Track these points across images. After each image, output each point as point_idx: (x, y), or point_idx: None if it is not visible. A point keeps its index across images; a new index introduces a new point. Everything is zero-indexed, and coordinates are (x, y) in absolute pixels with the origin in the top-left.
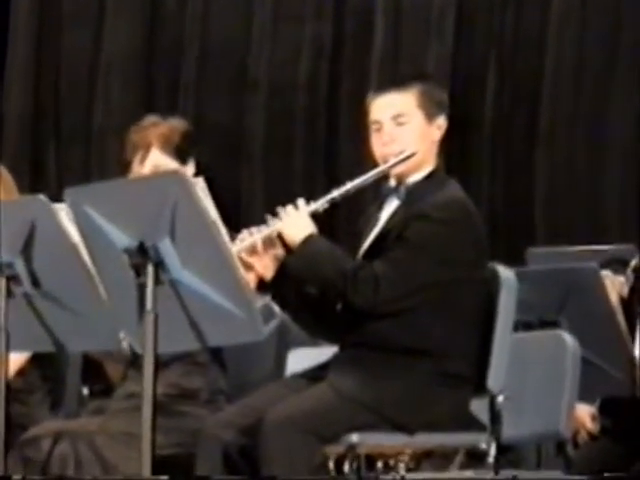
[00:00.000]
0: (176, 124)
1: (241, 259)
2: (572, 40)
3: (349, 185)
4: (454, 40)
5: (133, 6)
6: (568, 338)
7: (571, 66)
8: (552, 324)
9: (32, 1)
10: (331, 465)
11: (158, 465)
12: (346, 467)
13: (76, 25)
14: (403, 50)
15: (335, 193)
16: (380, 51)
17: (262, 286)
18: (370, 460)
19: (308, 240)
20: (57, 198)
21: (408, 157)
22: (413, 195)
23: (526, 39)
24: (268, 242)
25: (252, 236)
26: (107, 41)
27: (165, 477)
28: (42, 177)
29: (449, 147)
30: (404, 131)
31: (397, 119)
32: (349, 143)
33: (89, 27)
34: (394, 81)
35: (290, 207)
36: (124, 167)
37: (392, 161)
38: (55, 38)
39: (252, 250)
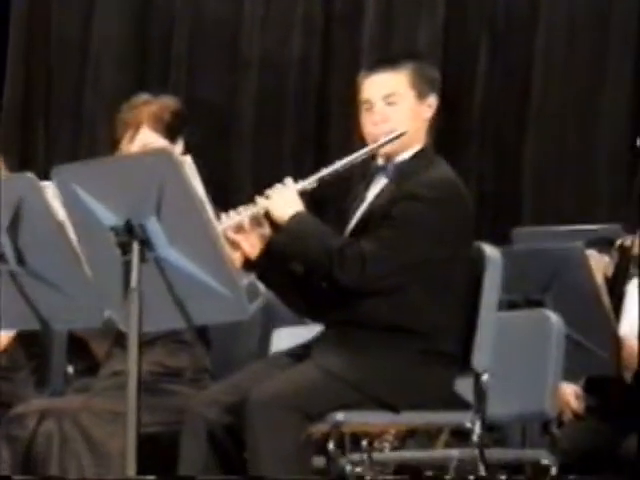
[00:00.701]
0: (167, 102)
1: (227, 237)
2: (563, 21)
3: (338, 164)
4: (445, 20)
5: None
6: (553, 317)
7: (562, 48)
8: (537, 303)
9: None
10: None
11: (143, 443)
12: (331, 445)
13: (67, 6)
14: (394, 30)
15: (324, 172)
16: (371, 31)
17: (248, 264)
18: (355, 438)
19: (295, 217)
20: (46, 178)
21: (398, 136)
22: (401, 173)
23: (518, 20)
24: (255, 221)
25: (239, 215)
26: (98, 21)
27: (152, 477)
28: (31, 158)
29: (439, 126)
30: (395, 111)
31: (388, 99)
32: (339, 124)
33: (80, 8)
34: (386, 59)
35: (278, 185)
36: (113, 145)
37: (382, 140)
38: (46, 19)
39: (239, 228)
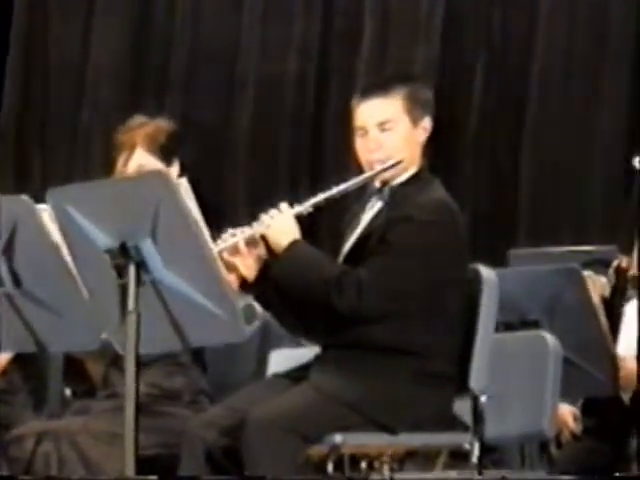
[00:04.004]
0: (162, 124)
1: (223, 259)
2: (560, 40)
3: (334, 190)
4: (442, 41)
5: (122, 6)
6: (550, 338)
7: (559, 68)
8: (533, 324)
9: (20, 2)
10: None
11: (141, 465)
12: (329, 467)
13: (64, 25)
14: (391, 51)
15: (320, 197)
16: (368, 52)
17: (245, 286)
18: (353, 460)
19: (292, 246)
20: (41, 199)
21: (394, 165)
22: (397, 197)
23: (514, 40)
24: (251, 242)
25: (235, 237)
26: (95, 41)
27: (154, 477)
28: (27, 178)
29: (434, 147)
30: (390, 137)
31: (383, 125)
32: (335, 145)
33: (78, 27)
34: (379, 84)
35: (275, 211)
36: (109, 168)
37: (378, 168)
38: (43, 38)
39: (234, 250)
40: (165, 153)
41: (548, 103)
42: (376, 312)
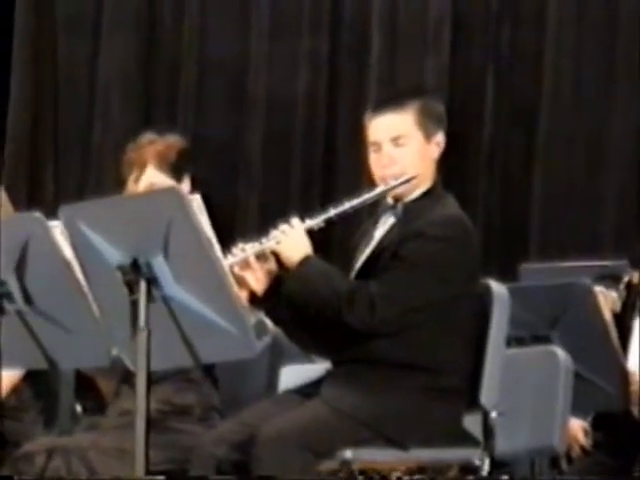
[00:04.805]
0: (172, 141)
1: (234, 273)
2: (569, 54)
3: (347, 205)
4: (451, 54)
5: (130, 23)
6: (560, 353)
7: (569, 81)
8: (544, 340)
9: (29, 18)
10: None
11: None
12: None
13: (73, 42)
14: (400, 65)
15: (332, 212)
16: (377, 66)
17: (255, 300)
18: (364, 476)
19: (305, 261)
20: (54, 215)
21: (407, 181)
22: (410, 213)
23: (523, 53)
24: (261, 256)
25: (245, 251)
26: (105, 58)
27: (161, 477)
28: (39, 194)
29: (446, 162)
30: (403, 152)
31: (396, 141)
32: (347, 160)
33: (86, 44)
34: (391, 99)
35: (286, 225)
36: (120, 185)
37: (391, 184)
38: (52, 55)
39: (245, 264)
40: (175, 170)
41: (559, 117)
42: (388, 326)
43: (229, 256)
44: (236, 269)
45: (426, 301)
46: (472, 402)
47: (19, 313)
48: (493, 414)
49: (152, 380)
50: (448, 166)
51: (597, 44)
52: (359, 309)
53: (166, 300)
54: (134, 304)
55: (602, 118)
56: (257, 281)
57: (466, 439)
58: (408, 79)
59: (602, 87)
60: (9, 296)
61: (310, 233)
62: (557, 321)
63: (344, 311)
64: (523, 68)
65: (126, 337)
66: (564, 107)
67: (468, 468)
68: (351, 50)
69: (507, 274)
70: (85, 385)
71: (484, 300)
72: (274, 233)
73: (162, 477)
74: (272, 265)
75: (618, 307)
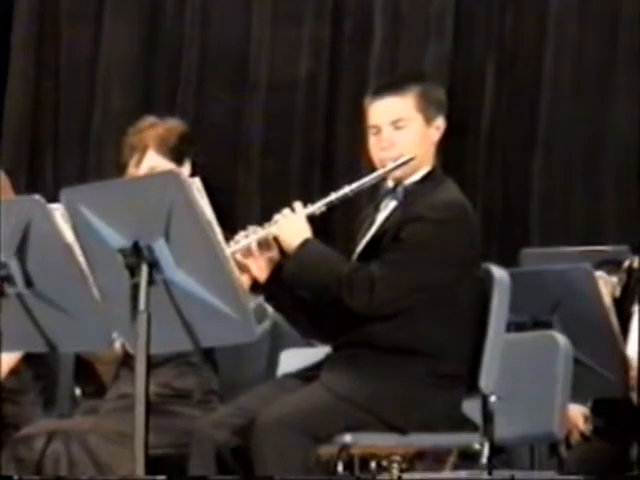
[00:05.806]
0: (173, 125)
1: (236, 260)
2: (570, 42)
3: (347, 189)
4: (453, 42)
5: (131, 9)
6: (561, 339)
7: (570, 69)
8: (545, 325)
9: (31, 5)
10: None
11: (151, 465)
12: (339, 467)
13: (75, 28)
14: (401, 51)
15: (333, 197)
16: (378, 52)
17: (256, 287)
18: (363, 460)
19: (304, 245)
20: (54, 200)
21: (406, 162)
22: (410, 196)
23: (525, 42)
24: (264, 244)
25: (247, 238)
26: (106, 44)
27: (162, 477)
28: (39, 181)
29: (447, 147)
30: (403, 135)
31: (396, 124)
32: (347, 144)
33: (88, 30)
34: (392, 83)
35: (287, 210)
36: (120, 169)
37: (390, 166)
38: (54, 42)
39: (247, 251)
40: (176, 154)
41: (560, 102)
42: (387, 308)
43: (231, 243)
44: (239, 256)
45: (426, 283)
46: (472, 387)
47: (19, 296)
48: (492, 399)
49: (152, 363)
50: (449, 151)
51: (598, 32)
52: (359, 290)
53: (167, 284)
54: (135, 287)
55: (602, 104)
56: (259, 269)
57: (465, 424)
58: (410, 66)
59: (602, 73)
60: (10, 279)
61: (311, 219)
62: (557, 306)
63: (344, 292)
64: (524, 54)
65: (126, 320)
66: (565, 93)
67: (467, 453)
68: (353, 36)
69: (508, 259)
70: (84, 368)
71: (485, 285)
72: (276, 217)
73: (163, 477)
74: (274, 253)
75: (618, 292)
